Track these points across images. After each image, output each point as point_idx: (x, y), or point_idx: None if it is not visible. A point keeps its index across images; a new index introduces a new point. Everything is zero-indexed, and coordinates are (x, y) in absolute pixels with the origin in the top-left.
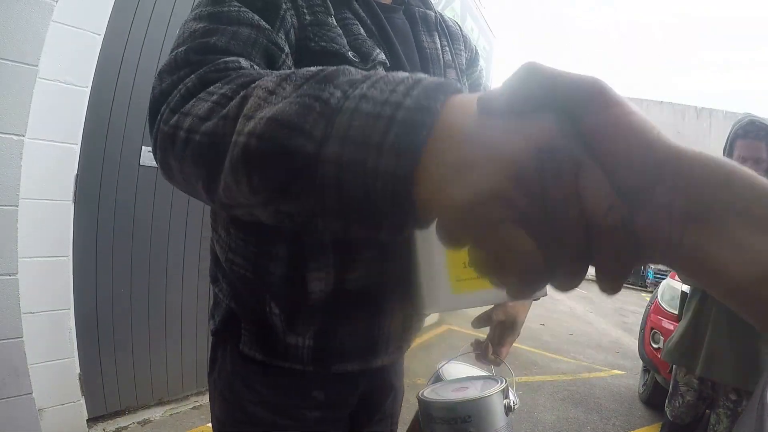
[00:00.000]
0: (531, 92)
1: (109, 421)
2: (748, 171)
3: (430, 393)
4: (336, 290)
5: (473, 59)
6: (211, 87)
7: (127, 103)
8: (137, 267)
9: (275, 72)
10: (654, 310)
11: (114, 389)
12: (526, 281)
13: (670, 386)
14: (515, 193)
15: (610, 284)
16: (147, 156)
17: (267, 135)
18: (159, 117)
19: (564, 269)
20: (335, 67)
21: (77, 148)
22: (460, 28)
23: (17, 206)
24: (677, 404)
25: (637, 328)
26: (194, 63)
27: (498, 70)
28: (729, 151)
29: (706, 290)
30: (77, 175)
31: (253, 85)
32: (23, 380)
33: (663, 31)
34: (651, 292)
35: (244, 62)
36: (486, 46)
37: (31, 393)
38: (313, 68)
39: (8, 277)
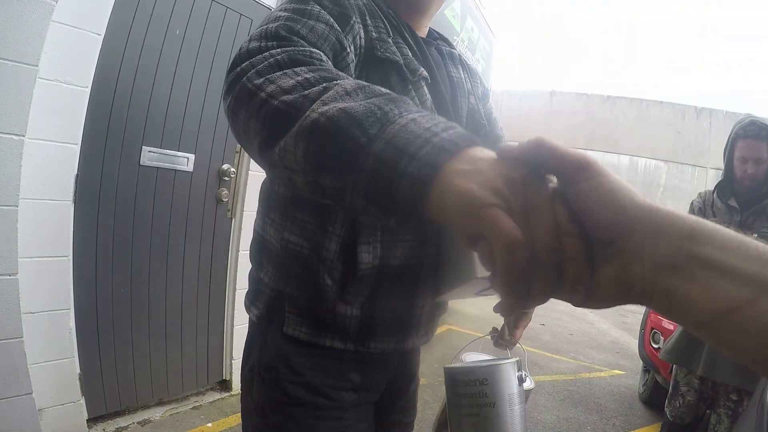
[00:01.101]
0: (535, 155)
1: (109, 421)
2: (711, 224)
3: (455, 365)
4: (382, 265)
5: (485, 93)
6: (298, 68)
7: (127, 103)
8: (137, 267)
9: (353, 80)
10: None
11: (114, 389)
12: (509, 263)
13: (671, 386)
14: (504, 189)
15: (580, 300)
16: (147, 156)
17: (335, 118)
18: (243, 73)
19: (548, 270)
20: (400, 96)
21: (77, 148)
22: (475, 68)
23: (17, 206)
24: (677, 404)
25: (637, 328)
26: (282, 38)
27: (498, 70)
28: (730, 151)
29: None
30: (77, 175)
31: (335, 81)
32: (23, 380)
33: (663, 31)
34: None
35: (324, 57)
36: (486, 46)
37: (31, 393)
38: (383, 89)
39: (8, 277)
